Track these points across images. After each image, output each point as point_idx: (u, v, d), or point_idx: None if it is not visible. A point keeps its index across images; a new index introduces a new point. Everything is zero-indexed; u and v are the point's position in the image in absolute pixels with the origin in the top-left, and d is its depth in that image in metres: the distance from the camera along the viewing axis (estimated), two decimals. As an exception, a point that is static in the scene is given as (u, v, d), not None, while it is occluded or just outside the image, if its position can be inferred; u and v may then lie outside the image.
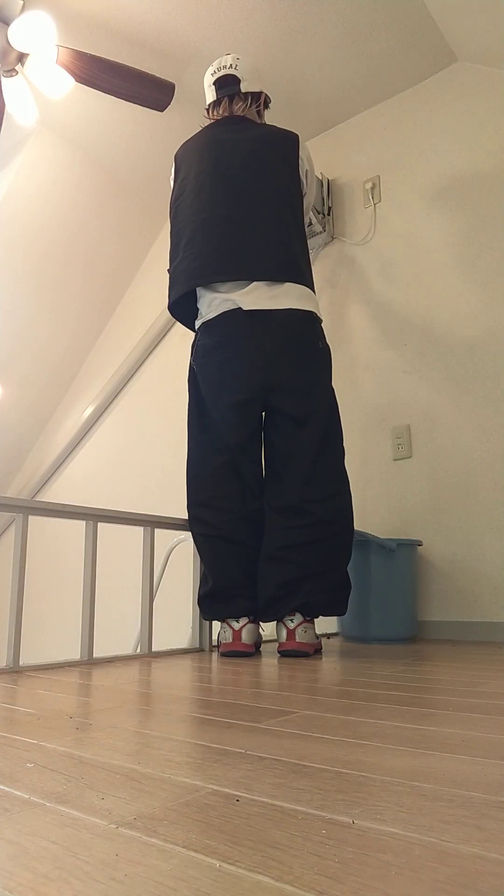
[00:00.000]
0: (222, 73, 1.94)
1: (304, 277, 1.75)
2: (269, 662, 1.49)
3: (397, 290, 2.44)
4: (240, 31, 2.32)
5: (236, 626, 1.64)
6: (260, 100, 1.98)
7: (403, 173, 2.50)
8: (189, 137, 1.98)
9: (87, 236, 3.23)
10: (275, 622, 1.72)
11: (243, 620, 1.65)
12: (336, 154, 2.75)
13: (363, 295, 2.54)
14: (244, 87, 1.93)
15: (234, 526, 1.69)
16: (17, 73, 2.26)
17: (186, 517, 1.80)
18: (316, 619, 1.69)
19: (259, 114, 1.97)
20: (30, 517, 1.45)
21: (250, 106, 1.94)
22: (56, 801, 0.51)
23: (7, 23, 2.13)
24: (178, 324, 3.22)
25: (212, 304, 1.74)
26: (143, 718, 0.84)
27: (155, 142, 2.91)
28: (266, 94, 2.00)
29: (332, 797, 0.51)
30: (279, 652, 1.60)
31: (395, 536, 2.23)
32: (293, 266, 1.74)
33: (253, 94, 1.95)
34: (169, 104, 2.46)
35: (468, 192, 2.32)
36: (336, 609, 1.66)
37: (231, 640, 1.64)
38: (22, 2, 2.11)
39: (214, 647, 1.83)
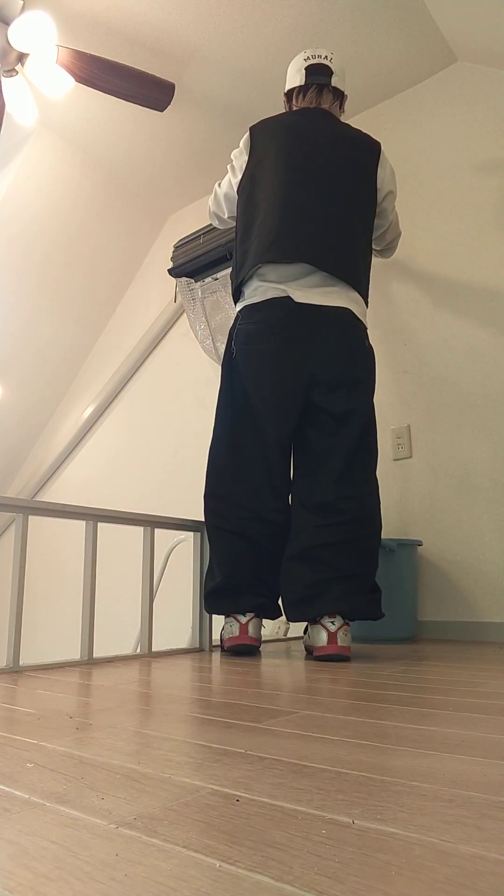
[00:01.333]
0: (317, 60, 1.88)
1: (360, 285, 1.71)
2: (269, 662, 1.49)
3: (397, 289, 2.44)
4: (240, 31, 2.32)
5: (243, 619, 1.63)
6: (344, 100, 1.94)
7: (403, 173, 2.49)
8: (269, 116, 1.92)
9: (88, 236, 3.23)
10: (307, 624, 1.64)
11: (249, 615, 1.63)
12: (336, 154, 2.75)
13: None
14: (335, 82, 1.88)
15: (249, 524, 1.66)
16: (17, 73, 2.26)
17: (186, 517, 1.80)
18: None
19: (342, 104, 1.94)
20: (30, 517, 1.45)
21: (335, 101, 1.90)
22: (56, 801, 0.51)
23: (7, 23, 2.13)
24: (178, 324, 3.24)
25: (258, 289, 1.69)
26: (143, 718, 0.84)
27: (155, 142, 2.92)
28: (346, 97, 1.97)
29: (332, 797, 0.51)
30: (317, 657, 1.52)
31: (395, 536, 2.23)
32: (353, 270, 1.70)
33: (340, 91, 1.91)
34: (169, 104, 2.46)
35: (468, 192, 2.32)
36: (373, 612, 1.60)
37: (238, 633, 1.62)
38: (22, 2, 2.11)
39: (217, 645, 1.83)
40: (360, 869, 0.38)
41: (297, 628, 2.27)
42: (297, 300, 1.64)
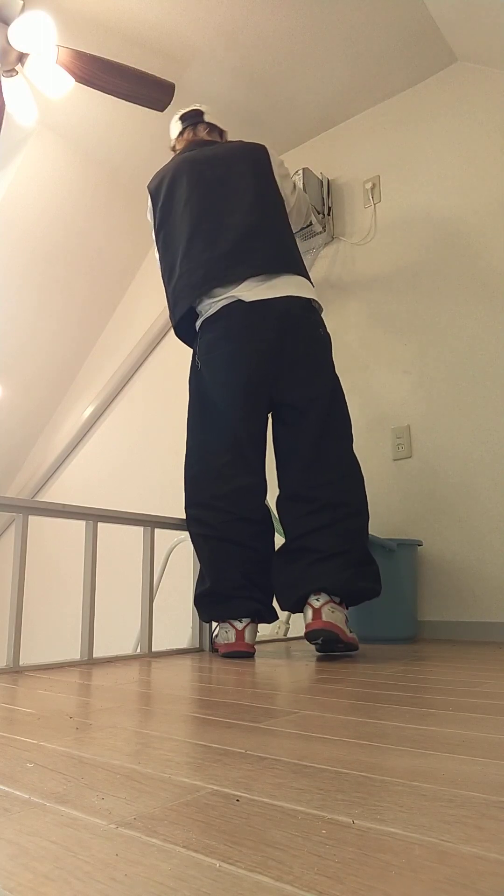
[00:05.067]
0: (187, 109, 2.10)
1: (298, 267, 1.78)
2: (269, 662, 1.49)
3: (397, 290, 2.44)
4: (240, 31, 2.32)
5: (239, 626, 1.62)
6: (223, 133, 2.11)
7: (403, 173, 2.50)
8: (158, 170, 2.05)
9: (87, 236, 3.23)
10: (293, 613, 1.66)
11: (246, 620, 1.62)
12: (336, 154, 2.75)
13: (363, 295, 2.54)
14: (207, 118, 2.07)
15: (233, 527, 1.67)
16: (17, 73, 2.26)
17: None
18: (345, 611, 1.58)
19: (222, 137, 2.10)
20: (30, 517, 1.45)
21: (213, 131, 2.07)
22: (56, 801, 0.51)
23: (7, 23, 2.13)
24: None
25: (210, 305, 1.77)
26: (143, 718, 0.84)
27: (155, 142, 2.91)
28: (226, 132, 2.13)
29: (332, 797, 0.51)
30: (306, 636, 1.50)
31: (395, 536, 2.23)
32: (287, 257, 1.77)
33: (215, 124, 2.09)
34: (169, 104, 2.46)
35: (468, 192, 2.32)
36: (364, 585, 1.55)
37: (234, 640, 1.61)
38: (22, 2, 2.11)
39: (213, 650, 1.82)
40: (360, 869, 0.38)
41: (298, 629, 2.27)
42: (247, 300, 1.70)
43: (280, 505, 1.69)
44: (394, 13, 2.23)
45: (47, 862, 0.40)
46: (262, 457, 1.76)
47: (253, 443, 1.71)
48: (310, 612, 1.49)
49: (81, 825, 0.46)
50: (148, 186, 2.01)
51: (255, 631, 1.66)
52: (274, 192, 1.89)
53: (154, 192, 1.99)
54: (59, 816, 0.48)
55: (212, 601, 1.68)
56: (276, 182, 1.91)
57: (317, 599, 1.50)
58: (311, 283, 1.82)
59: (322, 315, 1.81)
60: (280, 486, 1.72)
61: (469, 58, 2.37)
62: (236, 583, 1.65)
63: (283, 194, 1.94)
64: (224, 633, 1.64)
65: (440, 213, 2.38)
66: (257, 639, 2.01)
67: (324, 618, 1.45)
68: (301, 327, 1.71)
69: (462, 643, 1.93)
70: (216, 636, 1.69)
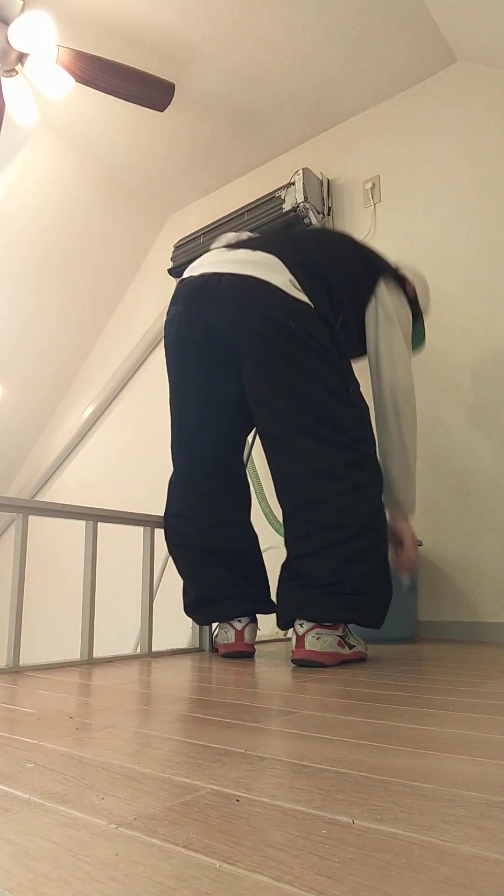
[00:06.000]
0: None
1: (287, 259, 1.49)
2: (270, 662, 1.49)
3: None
4: (240, 30, 2.32)
5: (238, 626, 1.59)
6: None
7: (403, 173, 2.50)
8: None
9: (87, 236, 3.23)
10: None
11: (245, 620, 1.59)
12: (336, 154, 2.75)
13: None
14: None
15: (207, 534, 1.58)
16: (17, 73, 2.26)
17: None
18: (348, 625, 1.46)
19: None
20: (30, 517, 1.45)
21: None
22: (56, 801, 0.51)
23: (7, 23, 2.13)
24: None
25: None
26: (142, 718, 0.84)
27: (155, 142, 2.91)
28: None
29: (332, 797, 0.51)
30: (291, 661, 1.40)
31: (395, 536, 2.23)
32: (277, 247, 1.52)
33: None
34: (169, 104, 2.46)
35: (468, 192, 2.32)
36: (355, 615, 1.39)
37: (234, 640, 1.58)
38: (22, 2, 2.11)
39: (214, 650, 1.81)
40: (360, 869, 0.38)
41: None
42: (202, 272, 1.53)
43: (283, 522, 1.51)
44: (394, 13, 2.23)
45: (47, 862, 0.40)
46: (241, 450, 1.64)
47: (217, 443, 1.57)
48: (294, 639, 1.39)
49: (81, 825, 0.46)
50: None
51: (255, 631, 1.65)
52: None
53: None
54: (59, 816, 0.48)
55: (201, 607, 1.64)
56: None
57: (300, 625, 1.38)
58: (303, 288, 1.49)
59: (302, 307, 1.47)
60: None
61: (469, 58, 2.37)
62: (224, 583, 1.59)
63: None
64: (224, 633, 1.62)
65: (440, 213, 2.37)
66: (258, 638, 2.01)
67: (306, 646, 1.35)
68: (253, 296, 1.44)
69: (462, 643, 1.93)
70: (216, 636, 1.67)
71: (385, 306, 1.60)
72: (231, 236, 1.77)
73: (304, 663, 1.36)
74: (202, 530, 1.60)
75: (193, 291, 1.54)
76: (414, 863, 0.39)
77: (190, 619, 1.83)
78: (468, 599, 2.07)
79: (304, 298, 1.46)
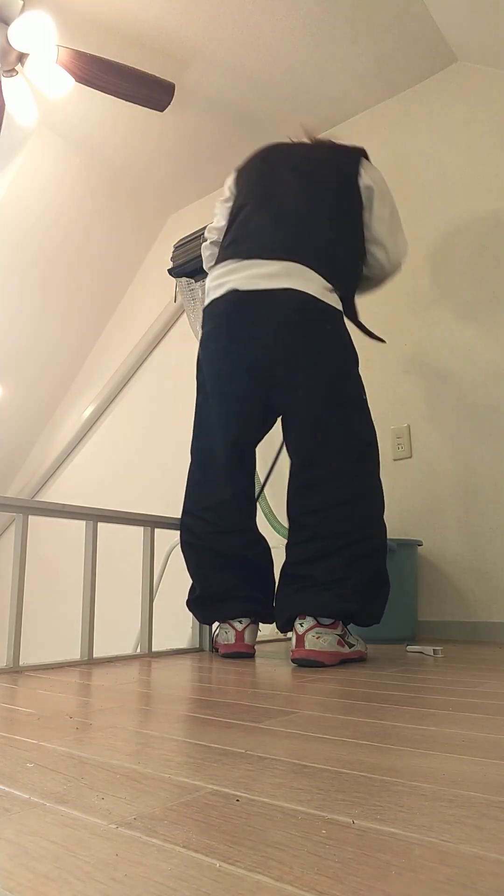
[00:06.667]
0: None
1: (322, 264, 1.55)
2: (269, 662, 1.49)
3: (397, 289, 2.44)
4: (240, 31, 2.32)
5: (239, 627, 1.59)
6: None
7: (403, 173, 2.49)
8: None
9: (88, 236, 3.23)
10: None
11: (245, 621, 1.60)
12: (336, 154, 2.75)
13: (363, 294, 2.54)
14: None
15: (220, 538, 1.62)
16: (17, 73, 2.26)
17: (186, 517, 1.81)
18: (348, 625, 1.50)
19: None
20: (30, 517, 1.45)
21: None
22: (56, 801, 0.51)
23: (7, 23, 2.13)
24: (178, 324, 3.24)
25: (209, 290, 1.65)
26: (142, 718, 0.84)
27: (155, 142, 2.91)
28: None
29: (332, 797, 0.51)
30: (292, 661, 1.43)
31: (395, 536, 2.23)
32: (310, 252, 1.56)
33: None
34: (169, 104, 2.46)
35: (468, 192, 2.32)
36: (353, 609, 1.43)
37: (233, 641, 1.59)
38: (22, 2, 2.11)
39: (214, 650, 1.82)
40: (360, 869, 0.38)
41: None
42: (241, 289, 1.56)
43: (288, 525, 1.59)
44: (394, 13, 2.23)
45: (47, 862, 0.40)
46: (249, 465, 1.68)
47: (238, 451, 1.62)
48: (294, 638, 1.42)
49: (81, 825, 0.46)
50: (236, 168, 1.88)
51: (256, 632, 1.65)
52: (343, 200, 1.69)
53: (240, 168, 1.85)
54: (59, 816, 0.48)
55: (205, 604, 1.65)
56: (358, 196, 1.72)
57: (301, 624, 1.41)
58: (349, 289, 1.64)
59: (335, 314, 1.57)
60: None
61: (469, 58, 2.37)
62: (230, 584, 1.61)
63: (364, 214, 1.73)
64: (224, 633, 1.63)
65: (440, 213, 2.37)
66: (258, 638, 2.01)
67: (307, 646, 1.38)
68: (299, 324, 1.51)
69: (462, 643, 1.93)
70: (216, 636, 1.67)
71: (381, 192, 1.77)
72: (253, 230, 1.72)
73: (305, 663, 1.38)
74: (215, 533, 1.62)
75: (231, 308, 1.58)
76: (414, 863, 0.39)
77: (190, 620, 1.84)
78: (468, 599, 2.07)
79: (337, 303, 1.57)
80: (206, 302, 1.66)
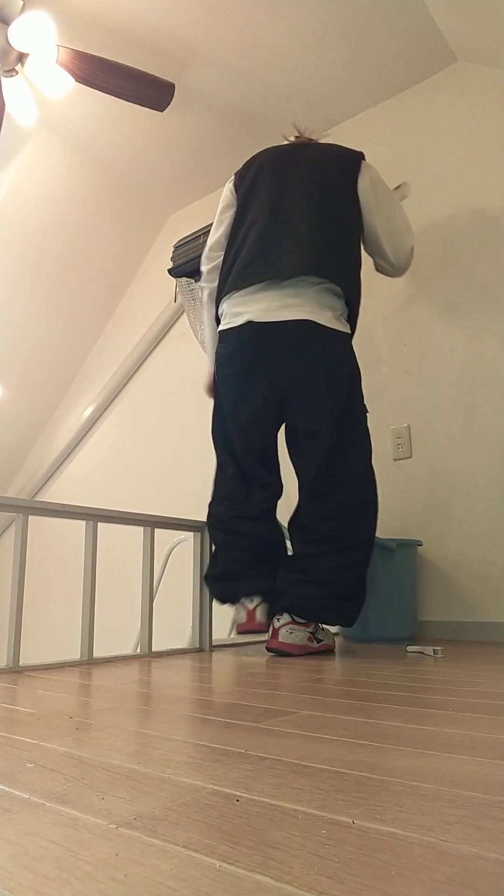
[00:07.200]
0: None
1: (337, 277, 1.69)
2: (269, 663, 1.49)
3: (397, 289, 2.44)
4: (240, 31, 2.32)
5: (250, 605, 1.68)
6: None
7: (403, 173, 2.49)
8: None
9: (88, 236, 3.23)
10: None
11: (256, 600, 1.68)
12: (336, 154, 2.75)
13: (363, 294, 2.54)
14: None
15: (237, 522, 1.75)
16: (17, 73, 2.26)
17: (186, 517, 1.84)
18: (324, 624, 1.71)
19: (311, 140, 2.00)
20: (30, 517, 1.45)
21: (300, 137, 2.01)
22: (56, 801, 0.51)
23: (7, 23, 2.13)
24: (178, 324, 3.24)
25: (227, 315, 1.76)
26: (143, 718, 0.84)
27: (155, 142, 2.91)
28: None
29: (332, 797, 0.51)
30: (266, 649, 1.66)
31: (395, 536, 2.23)
32: (326, 266, 1.69)
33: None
34: (169, 104, 2.46)
35: (468, 191, 2.32)
36: (330, 616, 1.66)
37: (245, 619, 1.68)
38: (22, 2, 2.11)
39: (216, 645, 1.84)
40: (360, 869, 0.38)
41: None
42: (257, 321, 1.68)
43: (289, 524, 1.75)
44: (394, 13, 2.23)
45: (47, 862, 0.40)
46: (271, 464, 1.79)
47: (262, 454, 1.76)
48: (271, 631, 1.65)
49: (81, 825, 0.46)
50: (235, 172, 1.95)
51: (267, 610, 1.70)
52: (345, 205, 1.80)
53: (240, 173, 1.92)
54: (59, 816, 0.48)
55: (219, 579, 1.75)
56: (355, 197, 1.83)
57: (277, 619, 1.65)
58: (356, 299, 1.76)
59: (344, 336, 1.71)
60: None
61: (469, 58, 2.37)
62: (243, 562, 1.72)
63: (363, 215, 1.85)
64: (237, 613, 1.72)
65: (440, 212, 2.37)
66: (258, 638, 2.01)
67: (280, 638, 1.62)
68: (310, 350, 1.66)
69: (462, 643, 1.93)
70: (235, 616, 1.77)
71: (384, 196, 1.90)
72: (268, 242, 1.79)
73: (276, 652, 1.63)
74: (235, 518, 1.75)
75: (248, 338, 1.70)
76: (414, 863, 0.39)
77: (190, 620, 1.84)
78: (468, 599, 2.07)
79: (345, 328, 1.73)
80: (223, 327, 1.77)
